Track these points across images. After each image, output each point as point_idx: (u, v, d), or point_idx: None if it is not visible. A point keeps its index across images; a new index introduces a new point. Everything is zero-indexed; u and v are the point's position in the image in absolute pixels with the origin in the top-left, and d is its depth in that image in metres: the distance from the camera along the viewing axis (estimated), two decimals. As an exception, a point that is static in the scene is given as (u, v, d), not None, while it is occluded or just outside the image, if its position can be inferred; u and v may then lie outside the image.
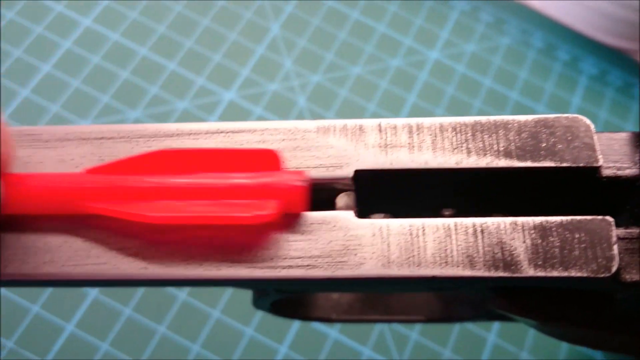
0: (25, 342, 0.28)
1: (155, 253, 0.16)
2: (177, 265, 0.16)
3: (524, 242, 0.16)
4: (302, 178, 0.16)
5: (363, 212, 0.17)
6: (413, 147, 0.17)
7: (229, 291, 0.30)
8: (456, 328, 0.30)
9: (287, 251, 0.16)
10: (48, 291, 0.29)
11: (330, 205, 0.17)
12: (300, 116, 0.35)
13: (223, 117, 0.34)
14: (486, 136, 0.17)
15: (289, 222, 0.16)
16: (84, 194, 0.16)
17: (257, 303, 0.21)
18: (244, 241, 0.16)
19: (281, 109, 0.35)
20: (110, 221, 0.16)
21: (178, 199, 0.16)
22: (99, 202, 0.16)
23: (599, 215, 0.16)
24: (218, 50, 0.36)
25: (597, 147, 0.17)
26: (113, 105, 0.33)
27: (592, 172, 0.17)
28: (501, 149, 0.17)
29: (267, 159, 0.16)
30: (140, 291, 0.29)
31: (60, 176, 0.16)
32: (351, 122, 0.17)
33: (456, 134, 0.17)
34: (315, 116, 0.35)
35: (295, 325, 0.30)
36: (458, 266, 0.16)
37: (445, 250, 0.16)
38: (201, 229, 0.16)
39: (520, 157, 0.17)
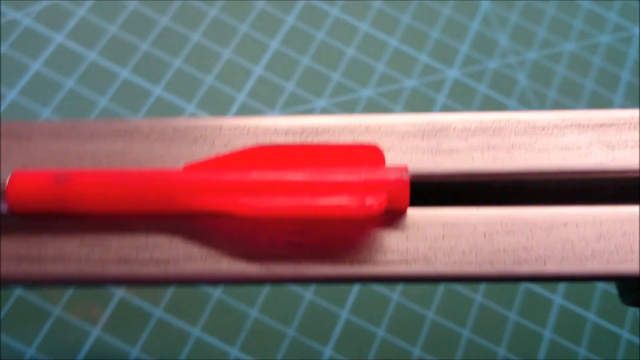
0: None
1: (255, 252, 0.16)
2: (277, 264, 0.16)
3: None
4: (406, 174, 0.16)
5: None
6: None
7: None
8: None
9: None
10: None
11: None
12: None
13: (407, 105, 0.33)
14: None
15: (391, 218, 0.16)
16: (186, 190, 0.16)
17: (624, 299, 0.20)
18: (346, 238, 0.16)
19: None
20: (211, 221, 0.16)
21: (282, 195, 0.16)
22: (203, 197, 0.16)
23: None
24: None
25: None
26: (300, 94, 0.33)
27: None
28: None
29: (369, 155, 0.16)
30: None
31: (161, 173, 0.16)
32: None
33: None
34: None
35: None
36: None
37: None
38: (301, 229, 0.16)
39: None
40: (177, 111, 0.32)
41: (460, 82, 0.35)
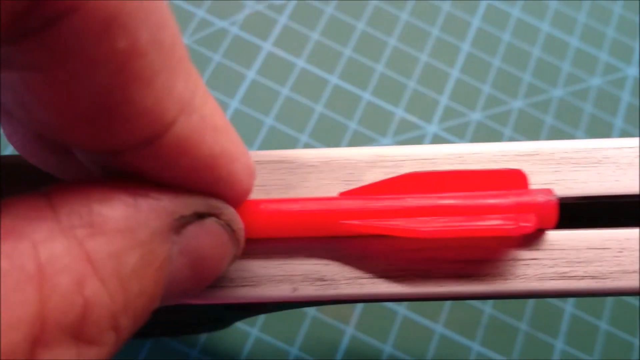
0: None
1: (404, 272, 0.17)
2: (423, 284, 0.17)
3: None
4: (553, 196, 0.17)
5: None
6: None
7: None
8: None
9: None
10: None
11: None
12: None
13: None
14: None
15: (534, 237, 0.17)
16: (344, 215, 0.16)
17: None
18: (494, 257, 0.17)
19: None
20: (361, 243, 0.17)
21: (437, 217, 0.16)
22: (363, 221, 0.16)
23: None
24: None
25: None
26: (411, 121, 0.33)
27: None
28: None
29: (514, 179, 0.17)
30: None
31: (320, 200, 0.17)
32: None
33: None
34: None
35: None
36: None
37: None
38: (447, 250, 0.17)
39: None
40: (290, 141, 0.31)
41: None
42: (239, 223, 0.15)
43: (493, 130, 0.33)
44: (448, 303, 0.29)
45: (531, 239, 0.17)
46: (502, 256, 0.17)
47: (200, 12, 0.33)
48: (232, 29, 0.33)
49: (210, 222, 0.14)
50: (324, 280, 0.17)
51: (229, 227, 0.15)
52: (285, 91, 0.32)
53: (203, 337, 0.27)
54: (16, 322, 0.10)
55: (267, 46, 0.33)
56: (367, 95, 0.33)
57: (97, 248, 0.12)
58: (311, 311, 0.28)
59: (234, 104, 0.31)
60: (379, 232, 0.16)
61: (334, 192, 0.18)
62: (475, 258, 0.17)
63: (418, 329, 0.29)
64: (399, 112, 0.33)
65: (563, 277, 0.17)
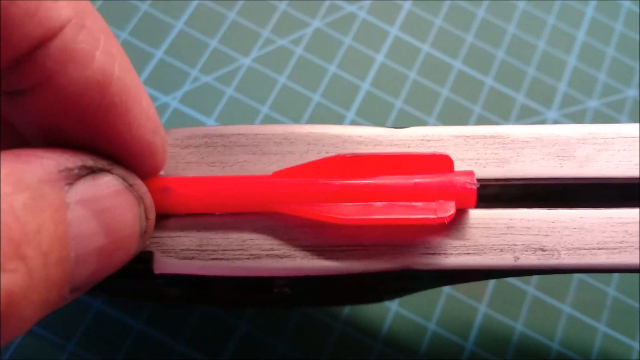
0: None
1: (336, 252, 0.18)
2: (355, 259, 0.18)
3: None
4: (473, 178, 0.17)
5: None
6: None
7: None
8: None
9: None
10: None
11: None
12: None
13: None
14: None
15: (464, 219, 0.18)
16: (274, 196, 0.17)
17: None
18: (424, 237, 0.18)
19: None
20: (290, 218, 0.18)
21: (362, 201, 0.17)
22: (288, 203, 0.17)
23: None
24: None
25: None
26: (531, 107, 0.33)
27: None
28: None
29: (440, 163, 0.18)
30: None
31: (251, 179, 0.18)
32: None
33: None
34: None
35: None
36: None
37: None
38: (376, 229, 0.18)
39: None
40: (420, 123, 0.32)
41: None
42: (135, 179, 0.16)
43: (609, 117, 0.34)
44: (575, 284, 0.30)
45: (456, 218, 0.18)
46: (438, 233, 0.18)
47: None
48: (361, 13, 0.34)
49: (103, 176, 0.16)
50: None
51: (126, 182, 0.16)
52: (412, 75, 0.33)
53: (346, 310, 0.28)
54: None
55: (394, 31, 0.34)
56: (489, 81, 0.33)
57: None
58: (446, 289, 0.29)
59: (316, 97, 0.32)
60: (302, 215, 0.17)
61: (545, 167, 0.18)
62: (400, 239, 0.18)
63: (547, 308, 0.30)
64: (520, 98, 0.33)
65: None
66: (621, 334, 0.30)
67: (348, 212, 0.17)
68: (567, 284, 0.30)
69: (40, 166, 0.14)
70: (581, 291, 0.30)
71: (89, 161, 0.15)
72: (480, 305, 0.29)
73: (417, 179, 0.17)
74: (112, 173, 0.16)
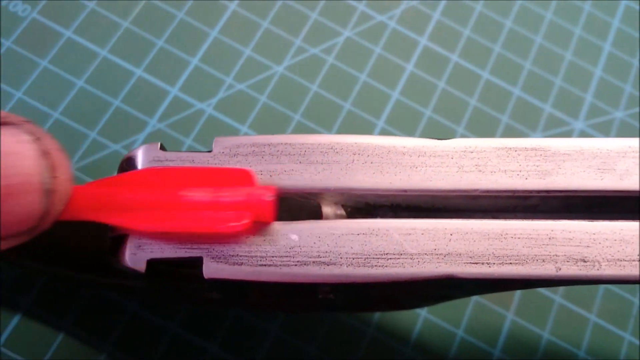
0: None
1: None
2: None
3: None
4: (271, 193, 0.19)
5: None
6: None
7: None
8: None
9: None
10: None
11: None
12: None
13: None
14: None
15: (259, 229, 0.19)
16: (81, 205, 0.18)
17: None
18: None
19: None
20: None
21: (163, 211, 0.19)
22: (95, 212, 0.18)
23: None
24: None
25: None
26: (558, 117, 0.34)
27: None
28: None
29: (242, 177, 0.19)
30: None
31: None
32: None
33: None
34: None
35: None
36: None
37: None
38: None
39: None
40: (448, 131, 0.32)
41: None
42: (45, 137, 0.17)
43: (635, 128, 0.34)
44: (601, 293, 0.30)
45: (260, 229, 0.19)
46: (235, 241, 0.19)
47: (361, 6, 0.34)
48: (391, 22, 0.34)
49: (10, 127, 0.16)
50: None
51: (33, 136, 0.16)
52: (441, 84, 0.33)
53: (376, 315, 0.29)
54: None
55: (423, 40, 0.34)
56: (517, 91, 0.34)
57: None
58: (475, 296, 0.30)
59: (347, 105, 0.33)
60: (104, 222, 0.18)
61: (586, 179, 0.19)
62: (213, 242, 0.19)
63: (574, 316, 0.30)
64: (547, 108, 0.34)
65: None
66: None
67: (153, 220, 0.18)
68: (593, 293, 0.31)
69: None
70: (607, 300, 0.31)
71: (1, 114, 0.16)
72: (508, 313, 0.30)
73: (218, 193, 0.19)
74: (20, 127, 0.16)
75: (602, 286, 0.31)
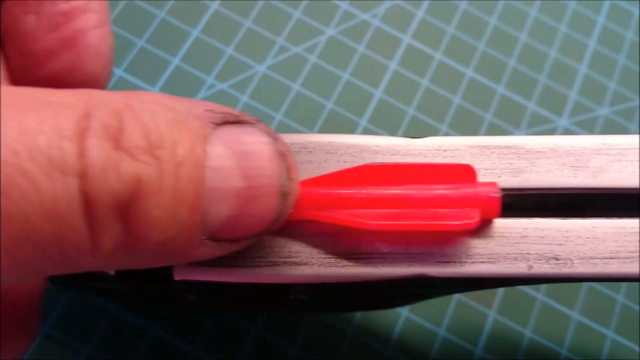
0: None
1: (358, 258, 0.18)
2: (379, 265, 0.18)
3: None
4: (496, 189, 0.18)
5: None
6: None
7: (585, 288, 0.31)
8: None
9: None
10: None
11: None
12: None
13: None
14: None
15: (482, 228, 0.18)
16: (301, 204, 0.18)
17: None
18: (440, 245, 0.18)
19: None
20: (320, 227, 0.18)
21: (389, 208, 0.17)
22: (316, 211, 0.18)
23: None
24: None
25: None
26: (542, 114, 0.34)
27: None
28: None
29: (463, 173, 0.18)
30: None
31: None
32: None
33: None
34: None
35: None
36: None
37: None
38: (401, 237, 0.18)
39: None
40: (431, 129, 0.32)
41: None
42: (277, 136, 0.16)
43: (620, 125, 0.34)
44: (584, 290, 0.30)
45: (481, 227, 0.18)
46: (454, 241, 0.18)
47: (344, 4, 0.34)
48: (374, 21, 0.34)
49: (248, 126, 0.16)
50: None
51: (269, 137, 0.16)
52: (425, 83, 0.33)
53: (358, 315, 0.28)
54: None
55: (407, 39, 0.34)
56: (501, 89, 0.34)
57: None
58: (456, 295, 0.30)
59: (329, 104, 0.33)
60: (331, 221, 0.18)
61: (560, 177, 0.19)
62: (417, 247, 0.18)
63: (556, 314, 0.30)
64: (531, 106, 0.34)
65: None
66: (630, 341, 0.30)
67: (375, 218, 0.17)
68: (576, 291, 0.31)
69: (189, 102, 0.15)
70: (590, 298, 0.30)
71: (235, 112, 0.16)
72: (490, 311, 0.30)
73: (441, 189, 0.18)
74: (256, 126, 0.16)
75: (585, 283, 0.31)
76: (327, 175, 0.18)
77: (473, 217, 0.17)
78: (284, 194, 0.16)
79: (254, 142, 0.15)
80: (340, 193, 0.18)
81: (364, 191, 0.18)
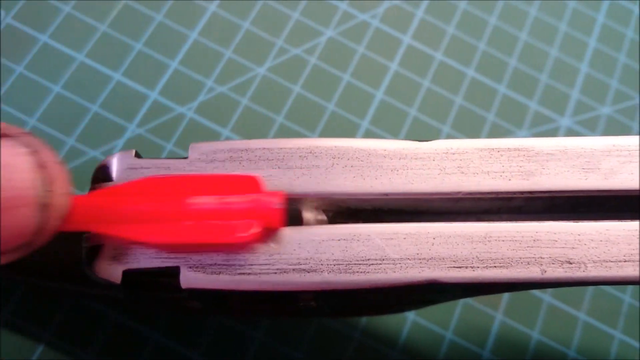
0: None
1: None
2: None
3: None
4: (279, 199, 0.18)
5: None
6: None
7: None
8: None
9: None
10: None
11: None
12: None
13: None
14: None
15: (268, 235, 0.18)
16: (82, 216, 0.18)
17: None
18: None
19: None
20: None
21: (171, 221, 0.18)
22: (97, 224, 0.18)
23: None
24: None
25: None
26: (545, 114, 0.33)
27: None
28: None
29: (249, 184, 0.18)
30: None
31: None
32: None
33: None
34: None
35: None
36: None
37: None
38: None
39: None
40: (433, 131, 0.32)
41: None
42: (43, 149, 0.16)
43: (622, 124, 0.34)
44: (590, 291, 0.30)
45: (269, 235, 0.18)
46: (243, 249, 0.18)
47: (343, 5, 0.34)
48: (373, 21, 0.34)
49: (8, 140, 0.16)
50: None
51: (30, 148, 0.16)
52: (426, 83, 0.33)
53: (364, 319, 0.28)
54: None
55: (407, 39, 0.34)
56: (502, 89, 0.34)
57: None
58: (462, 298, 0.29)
59: (330, 106, 0.32)
60: (112, 234, 0.18)
61: (570, 179, 0.18)
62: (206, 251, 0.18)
63: (563, 316, 0.30)
64: (533, 105, 0.33)
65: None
66: (637, 341, 0.30)
67: (155, 231, 0.18)
68: (582, 292, 0.30)
69: None
70: (597, 299, 0.30)
71: (2, 125, 0.16)
72: (496, 313, 0.29)
73: (224, 200, 0.18)
74: (17, 139, 0.16)
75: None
76: (116, 186, 0.18)
77: (251, 229, 0.17)
78: (43, 205, 0.16)
79: (11, 154, 0.16)
80: (121, 206, 0.18)
81: (144, 205, 0.18)
